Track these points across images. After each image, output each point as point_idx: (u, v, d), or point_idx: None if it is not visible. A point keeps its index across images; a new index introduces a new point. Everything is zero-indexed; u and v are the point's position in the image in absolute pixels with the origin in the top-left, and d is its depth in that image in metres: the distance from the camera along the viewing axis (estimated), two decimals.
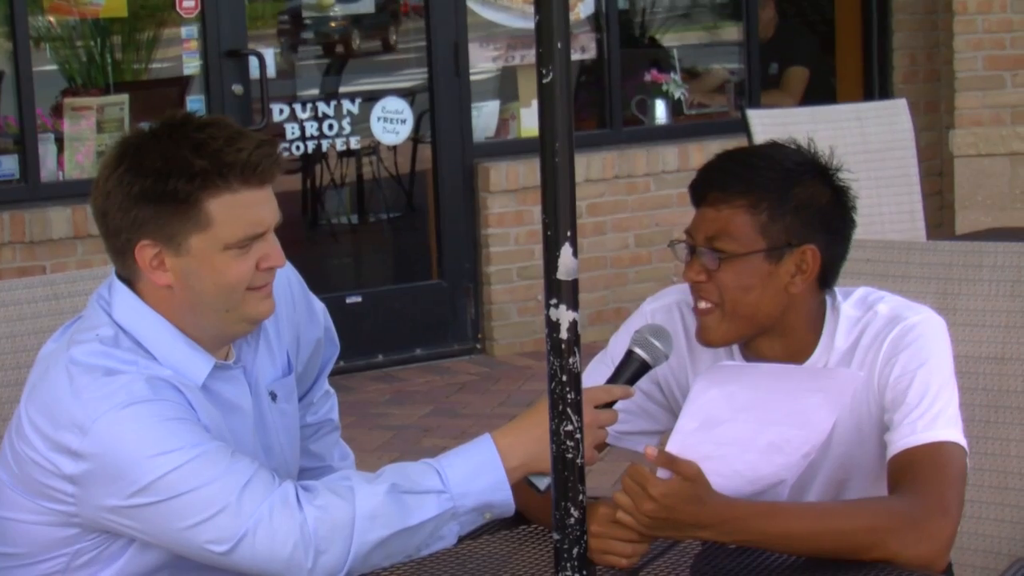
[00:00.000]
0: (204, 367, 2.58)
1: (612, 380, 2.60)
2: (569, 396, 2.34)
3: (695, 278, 2.67)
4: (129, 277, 2.59)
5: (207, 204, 2.50)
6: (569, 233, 2.30)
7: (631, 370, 2.60)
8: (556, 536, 2.39)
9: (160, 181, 2.49)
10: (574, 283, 2.32)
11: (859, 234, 2.82)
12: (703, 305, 2.68)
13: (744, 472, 2.52)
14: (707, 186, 2.67)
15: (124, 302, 2.58)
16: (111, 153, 2.57)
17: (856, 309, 2.73)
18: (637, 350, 2.60)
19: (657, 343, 2.60)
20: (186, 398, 2.51)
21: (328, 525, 2.42)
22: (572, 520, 2.37)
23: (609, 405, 2.55)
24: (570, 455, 2.36)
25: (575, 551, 2.39)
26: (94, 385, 2.47)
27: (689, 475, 2.41)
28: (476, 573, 2.61)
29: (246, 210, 2.52)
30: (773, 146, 2.76)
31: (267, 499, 2.42)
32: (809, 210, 2.66)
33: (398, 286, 7.89)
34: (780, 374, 2.60)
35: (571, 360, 2.33)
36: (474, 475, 2.49)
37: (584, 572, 2.40)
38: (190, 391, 2.53)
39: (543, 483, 2.50)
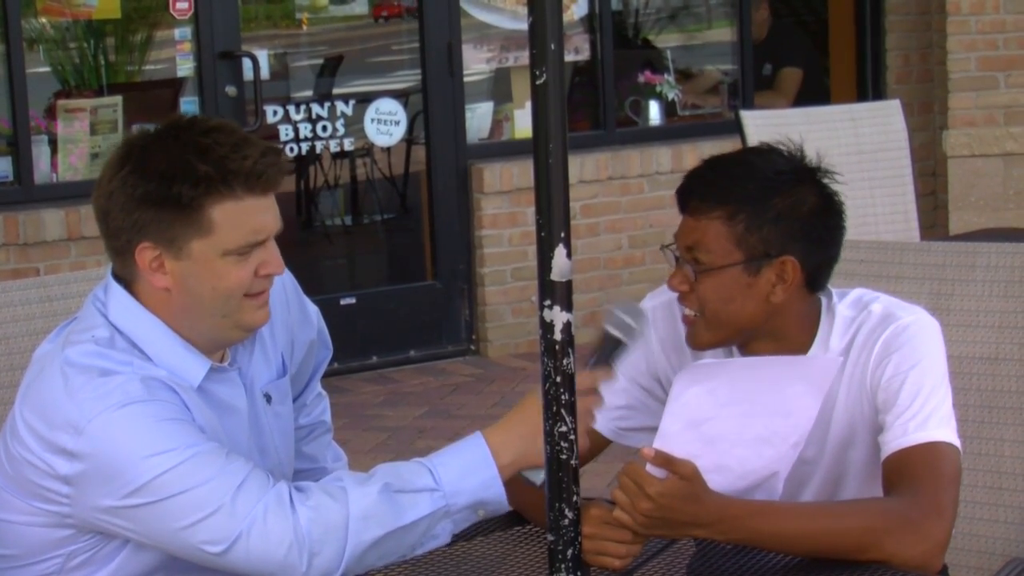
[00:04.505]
0: (200, 369, 2.58)
1: (592, 363, 2.59)
2: (563, 397, 2.34)
3: (678, 287, 2.68)
4: (127, 278, 2.59)
5: (210, 210, 2.49)
6: (563, 234, 2.30)
7: (608, 351, 2.58)
8: (550, 537, 2.40)
9: (164, 185, 2.49)
10: (568, 284, 2.32)
11: (853, 235, 2.82)
12: (687, 313, 2.69)
13: (734, 468, 2.52)
14: (688, 194, 2.68)
15: (120, 303, 2.58)
16: (115, 153, 2.57)
17: (851, 309, 2.73)
18: (611, 330, 2.58)
19: (629, 320, 2.58)
20: (181, 399, 2.51)
21: (321, 526, 2.42)
22: (566, 521, 2.37)
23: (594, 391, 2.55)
24: (564, 456, 2.36)
25: (569, 552, 2.39)
26: (89, 386, 2.47)
27: (686, 474, 2.42)
28: (471, 574, 2.61)
29: (249, 217, 2.52)
30: (759, 152, 2.74)
31: (261, 499, 2.42)
32: (789, 220, 2.64)
33: (392, 287, 7.90)
34: (759, 366, 2.60)
35: (565, 361, 2.33)
36: (466, 473, 2.50)
37: (578, 573, 2.40)
38: (185, 392, 2.53)
39: (539, 478, 2.50)
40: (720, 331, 2.67)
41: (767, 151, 2.72)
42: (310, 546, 2.41)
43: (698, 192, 2.66)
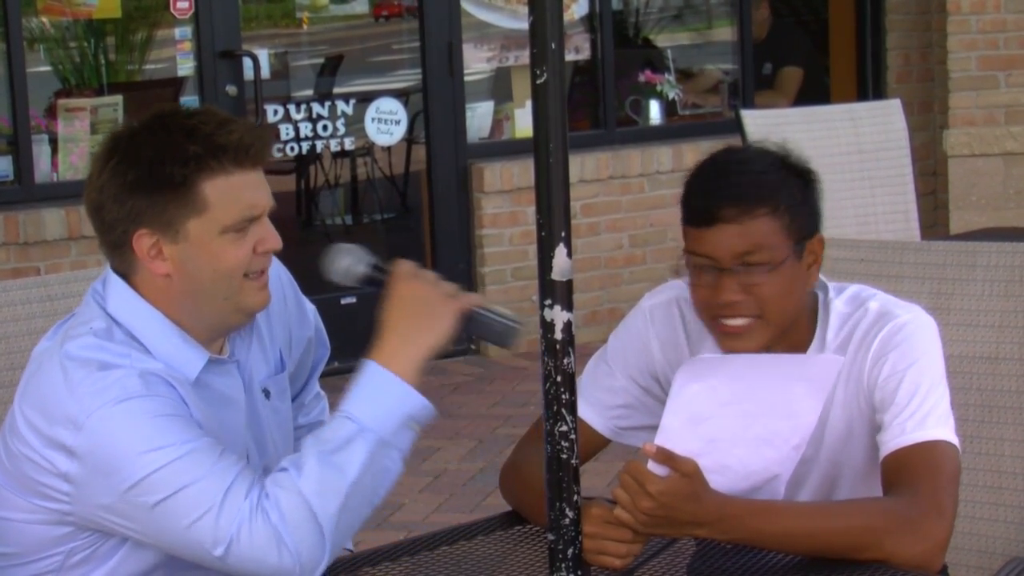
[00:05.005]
0: (198, 361, 2.58)
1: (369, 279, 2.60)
2: (564, 397, 2.34)
3: (734, 298, 2.60)
4: (125, 271, 2.60)
5: (202, 187, 2.51)
6: (563, 234, 2.30)
7: (372, 282, 2.59)
8: (551, 536, 2.40)
9: (154, 168, 2.51)
10: (568, 284, 2.33)
11: (853, 234, 2.82)
12: (741, 322, 2.62)
13: (735, 468, 2.52)
14: (721, 203, 2.59)
15: (119, 295, 2.58)
16: (102, 148, 2.58)
17: (847, 306, 2.73)
18: (366, 270, 2.59)
19: (343, 263, 2.59)
20: (179, 393, 2.52)
21: (290, 520, 2.39)
22: (567, 520, 2.38)
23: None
24: (564, 456, 2.36)
25: (570, 552, 2.39)
26: (88, 380, 2.47)
27: (687, 472, 2.42)
28: (471, 574, 2.61)
29: (241, 192, 2.54)
30: (742, 150, 2.73)
31: (248, 499, 2.41)
32: (808, 199, 2.66)
33: None
34: (760, 364, 2.58)
35: (565, 361, 2.33)
36: (377, 400, 2.49)
37: (579, 572, 2.40)
38: (182, 386, 2.53)
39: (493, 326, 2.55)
40: (776, 329, 2.64)
41: (742, 148, 2.72)
42: (291, 543, 2.40)
43: (731, 198, 2.59)
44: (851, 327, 2.70)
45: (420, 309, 2.53)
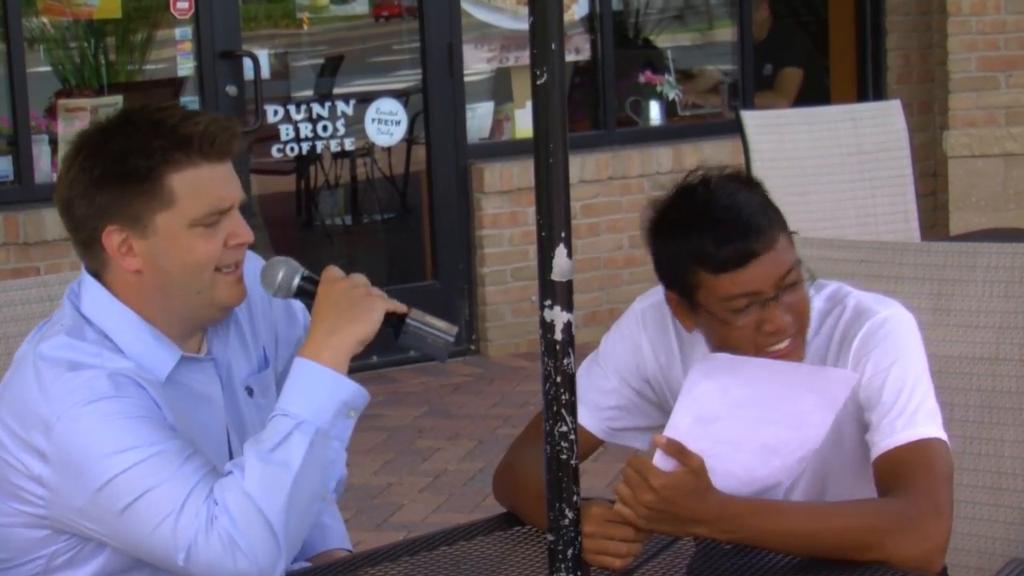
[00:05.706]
0: (170, 360, 2.58)
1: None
2: (564, 397, 2.34)
3: (784, 323, 2.60)
4: (97, 270, 2.61)
5: (169, 180, 2.52)
6: (563, 234, 2.31)
7: (310, 292, 2.59)
8: (550, 537, 2.40)
9: (120, 161, 2.52)
10: (568, 284, 2.33)
11: (853, 235, 2.82)
12: (786, 344, 2.61)
13: (738, 473, 2.52)
14: (747, 240, 2.56)
15: (92, 294, 2.59)
16: (70, 147, 2.60)
17: (825, 302, 2.72)
18: (299, 282, 2.60)
19: (283, 267, 2.59)
20: (149, 394, 2.51)
21: (241, 522, 2.39)
22: (566, 521, 2.38)
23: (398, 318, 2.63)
24: (564, 456, 2.36)
25: (569, 552, 2.39)
26: (58, 381, 2.47)
27: (694, 467, 2.41)
28: (471, 574, 2.61)
29: (209, 185, 2.54)
30: (714, 182, 2.66)
31: (206, 503, 2.41)
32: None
33: (392, 287, 7.82)
34: (774, 370, 2.57)
35: (565, 361, 2.33)
36: (310, 392, 2.49)
37: (578, 573, 2.40)
38: (153, 386, 2.53)
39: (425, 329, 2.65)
40: (804, 340, 2.66)
41: (710, 183, 2.65)
42: (245, 546, 2.39)
43: (753, 231, 2.57)
44: (830, 325, 2.70)
45: (343, 303, 2.54)
